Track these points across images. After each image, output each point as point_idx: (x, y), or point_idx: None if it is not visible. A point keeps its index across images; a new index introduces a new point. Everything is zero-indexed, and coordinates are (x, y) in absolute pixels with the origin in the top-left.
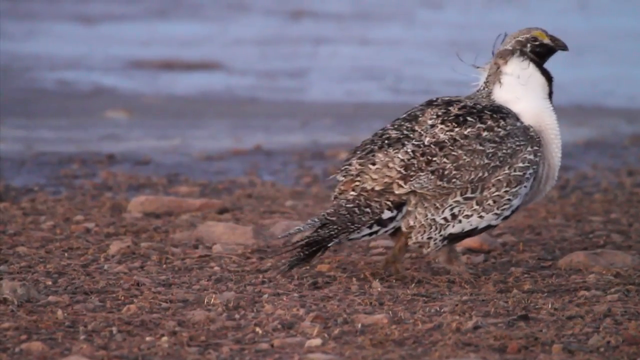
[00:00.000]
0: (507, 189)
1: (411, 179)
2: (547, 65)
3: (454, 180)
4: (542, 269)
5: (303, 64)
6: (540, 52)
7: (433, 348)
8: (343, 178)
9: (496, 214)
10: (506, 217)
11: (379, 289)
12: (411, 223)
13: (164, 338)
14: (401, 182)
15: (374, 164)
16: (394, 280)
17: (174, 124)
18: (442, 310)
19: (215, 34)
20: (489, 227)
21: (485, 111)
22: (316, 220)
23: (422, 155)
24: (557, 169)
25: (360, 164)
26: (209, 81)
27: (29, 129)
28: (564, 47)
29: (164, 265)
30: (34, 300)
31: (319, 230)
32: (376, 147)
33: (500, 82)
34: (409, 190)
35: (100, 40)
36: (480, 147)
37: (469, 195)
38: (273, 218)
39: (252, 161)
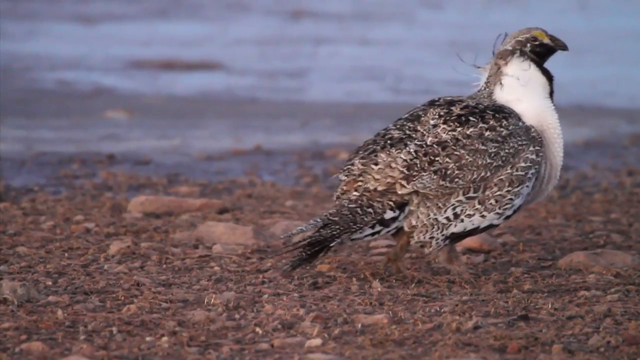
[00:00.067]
0: (509, 188)
1: (414, 179)
2: (547, 64)
3: (456, 180)
4: (542, 269)
5: (303, 64)
6: (540, 52)
7: (433, 348)
8: (345, 178)
9: (498, 213)
10: (508, 217)
11: (379, 289)
12: (413, 223)
13: (164, 338)
14: (404, 182)
15: (376, 164)
16: (394, 280)
17: (174, 124)
18: (442, 310)
19: (215, 34)
20: (490, 227)
21: (488, 111)
22: (318, 220)
23: (425, 155)
24: (559, 168)
25: (362, 164)
26: (209, 81)
27: (29, 129)
28: (563, 47)
29: (164, 266)
30: (34, 300)
31: (321, 230)
32: (379, 147)
33: (501, 83)
34: (412, 190)
35: (100, 40)
36: (483, 147)
37: (471, 194)
38: (273, 218)
39: (252, 161)
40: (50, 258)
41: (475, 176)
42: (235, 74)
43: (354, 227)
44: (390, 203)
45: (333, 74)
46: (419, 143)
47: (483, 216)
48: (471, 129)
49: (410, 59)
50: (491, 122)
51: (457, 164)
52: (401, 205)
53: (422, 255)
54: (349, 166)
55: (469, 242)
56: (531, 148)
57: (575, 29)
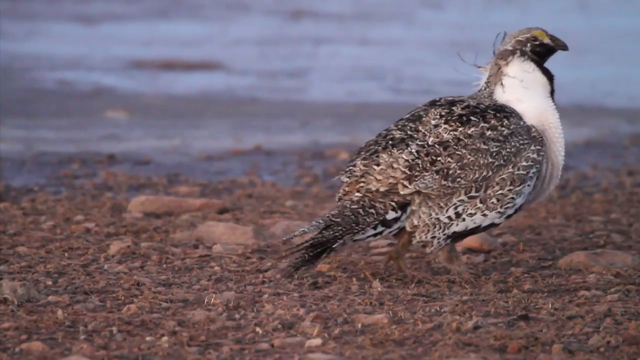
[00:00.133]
0: (511, 187)
1: (416, 179)
2: (548, 64)
3: (458, 179)
4: (542, 269)
5: (303, 64)
6: (540, 51)
7: (433, 348)
8: (347, 179)
9: (500, 212)
10: (509, 216)
11: (379, 289)
12: (415, 222)
13: (164, 338)
14: (406, 183)
15: (378, 164)
16: (394, 280)
17: (174, 124)
18: (442, 310)
19: (215, 34)
20: (492, 226)
21: (489, 110)
22: (320, 221)
23: (427, 155)
24: (561, 167)
25: (364, 165)
26: (209, 81)
27: (29, 129)
28: (564, 47)
29: (164, 265)
30: (34, 300)
31: (324, 231)
32: (380, 148)
33: (501, 83)
34: (414, 190)
35: (100, 40)
36: (484, 146)
37: (473, 194)
38: (273, 218)
39: (252, 161)
40: (51, 258)
41: (477, 176)
42: (235, 74)
43: (357, 228)
44: (392, 203)
45: (333, 74)
46: (420, 143)
47: (485, 215)
48: (472, 129)
49: (410, 59)
50: (492, 122)
51: (458, 164)
52: (403, 206)
53: (423, 254)
54: (351, 167)
55: (469, 242)
56: (532, 147)
57: (575, 29)
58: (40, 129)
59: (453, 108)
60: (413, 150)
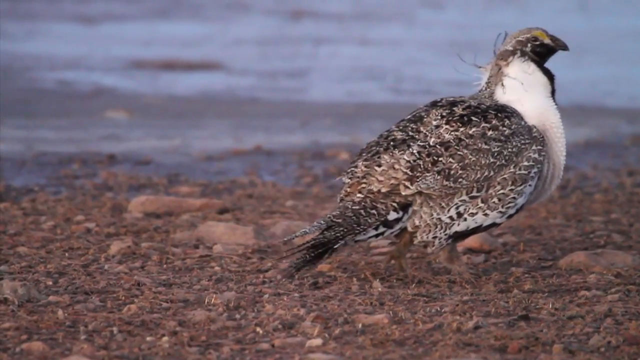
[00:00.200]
0: (512, 187)
1: (417, 180)
2: (548, 64)
3: (460, 180)
4: (542, 269)
5: (303, 64)
6: (540, 52)
7: (434, 348)
8: (349, 180)
9: (501, 212)
10: (511, 216)
11: (380, 289)
12: (417, 223)
13: (165, 338)
14: (407, 183)
15: (379, 165)
16: (395, 280)
17: (175, 124)
18: (442, 310)
19: (215, 34)
20: (493, 225)
21: (490, 111)
22: (322, 222)
23: (428, 155)
24: (562, 167)
25: (366, 166)
26: (209, 81)
27: (29, 129)
28: (564, 47)
29: (165, 265)
30: (34, 300)
31: (325, 232)
32: (382, 149)
33: (502, 83)
34: (416, 191)
35: (100, 41)
36: (486, 146)
37: (474, 194)
38: (273, 218)
39: (252, 161)
40: (51, 258)
41: (478, 176)
42: (235, 74)
43: (358, 228)
44: (394, 204)
45: (333, 74)
46: (422, 144)
47: (486, 215)
48: (474, 129)
49: (410, 59)
50: (494, 122)
51: (460, 164)
52: (405, 207)
53: (423, 254)
54: (353, 169)
55: (469, 242)
56: (534, 147)
57: (576, 29)
58: (41, 129)
59: (454, 108)
60: (414, 151)
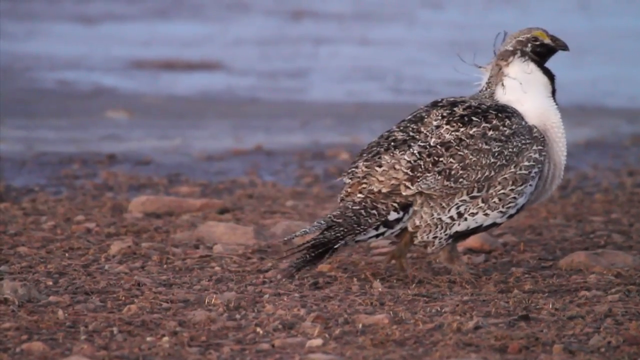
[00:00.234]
0: (513, 187)
1: (418, 180)
2: (548, 64)
3: (461, 180)
4: (542, 269)
5: (304, 64)
6: (541, 52)
7: (434, 348)
8: (350, 180)
9: (501, 212)
10: (511, 216)
11: (380, 289)
12: (417, 223)
13: (165, 338)
14: (408, 184)
15: (380, 166)
16: (395, 281)
17: (175, 124)
18: (443, 311)
19: (215, 34)
20: (494, 225)
21: (491, 111)
22: (322, 222)
23: (429, 156)
24: (563, 167)
25: (366, 167)
26: (209, 81)
27: (29, 129)
28: (564, 47)
29: (165, 266)
30: (34, 301)
31: (325, 232)
32: (382, 149)
33: (502, 83)
34: (416, 191)
35: (100, 41)
36: (486, 146)
37: (475, 194)
38: (274, 218)
39: (252, 161)
40: (51, 258)
41: (479, 176)
42: (235, 74)
43: (358, 229)
44: (394, 204)
45: (333, 74)
46: (422, 144)
47: (486, 215)
48: (474, 129)
49: (410, 59)
50: (494, 122)
51: (461, 164)
52: (405, 207)
53: (423, 254)
54: (353, 169)
55: (470, 242)
56: (534, 147)
57: (576, 29)
58: (41, 129)
59: (455, 109)
60: (415, 151)
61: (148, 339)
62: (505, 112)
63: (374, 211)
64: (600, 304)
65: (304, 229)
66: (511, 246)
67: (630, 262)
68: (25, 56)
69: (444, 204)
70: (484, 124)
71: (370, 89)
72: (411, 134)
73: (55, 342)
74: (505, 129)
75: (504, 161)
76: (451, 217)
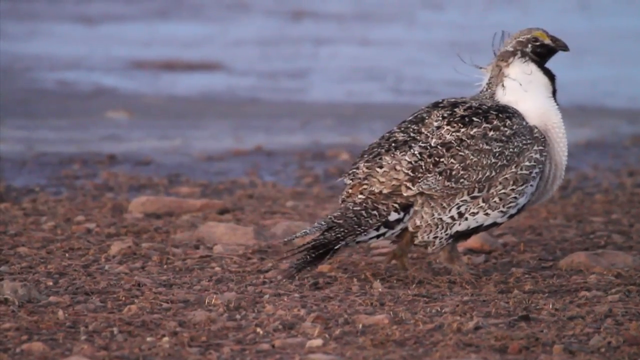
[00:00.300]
0: (514, 187)
1: (419, 181)
2: (548, 65)
3: (461, 180)
4: (543, 270)
5: (304, 65)
6: (541, 52)
7: (434, 348)
8: (350, 182)
9: (502, 211)
10: (512, 216)
11: (380, 290)
12: (418, 223)
13: (165, 338)
14: (409, 184)
15: (381, 167)
16: (395, 281)
17: (175, 125)
18: (443, 311)
19: (216, 34)
20: (494, 225)
21: (491, 111)
22: (322, 223)
23: (430, 156)
24: (564, 168)
25: (367, 167)
26: (209, 82)
27: (29, 130)
28: (564, 48)
29: (165, 266)
30: (34, 301)
31: (326, 233)
32: (383, 151)
33: (503, 84)
34: (417, 192)
35: (101, 41)
36: (487, 147)
37: (476, 194)
38: (274, 218)
39: (253, 161)
40: (51, 258)
41: (480, 176)
42: (236, 74)
43: (359, 229)
44: (395, 205)
45: (334, 74)
46: (423, 145)
47: (487, 214)
48: (475, 130)
49: (411, 60)
50: (495, 122)
51: (461, 165)
52: (406, 207)
53: (424, 255)
54: (354, 170)
55: (470, 242)
56: (535, 147)
57: (576, 29)
58: (41, 130)
59: (455, 109)
60: (416, 152)
61: (148, 339)
62: (506, 112)
63: (375, 212)
64: (601, 304)
65: (304, 230)
66: (511, 246)
67: (631, 262)
68: (26, 56)
69: (444, 204)
70: (484, 125)
71: (371, 90)
72: (412, 134)
73: (56, 342)
74: (506, 129)
75: (504, 161)
76: (452, 217)
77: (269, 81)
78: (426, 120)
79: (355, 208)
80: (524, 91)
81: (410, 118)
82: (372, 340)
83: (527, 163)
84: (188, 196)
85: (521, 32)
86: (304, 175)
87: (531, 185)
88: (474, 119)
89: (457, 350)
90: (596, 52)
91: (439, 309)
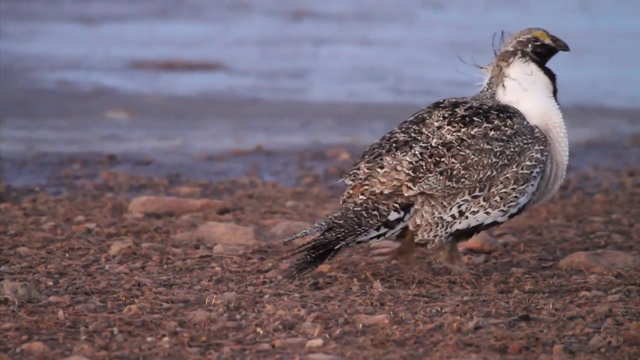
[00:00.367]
0: (515, 186)
1: (420, 181)
2: (548, 65)
3: (463, 180)
4: (543, 270)
5: (304, 65)
6: (541, 52)
7: (434, 348)
8: (351, 183)
9: (502, 210)
10: (512, 215)
11: (380, 290)
12: (418, 222)
13: (165, 338)
14: (410, 184)
15: (382, 167)
16: (395, 281)
17: (175, 125)
18: (443, 311)
19: (216, 34)
20: (494, 224)
21: (492, 111)
22: (323, 223)
23: (430, 156)
24: (565, 167)
25: (368, 168)
26: (210, 81)
27: (29, 130)
28: (565, 48)
29: (165, 266)
30: (35, 301)
31: (326, 233)
32: (384, 151)
33: (504, 84)
34: (418, 192)
35: (101, 41)
36: (488, 146)
37: (477, 193)
38: (274, 218)
39: (253, 161)
40: (51, 258)
41: (481, 175)
42: (236, 74)
43: (359, 229)
44: (395, 205)
45: (334, 74)
46: (424, 145)
47: (487, 213)
48: (475, 129)
49: (411, 59)
50: (496, 122)
51: (462, 164)
52: (406, 207)
53: (424, 254)
54: (355, 171)
55: (470, 242)
56: (536, 147)
57: (576, 29)
58: (41, 130)
59: (456, 109)
60: (417, 152)
61: (148, 339)
62: (507, 112)
63: (375, 212)
64: (601, 304)
65: (304, 230)
66: (511, 246)
67: (631, 262)
68: (26, 56)
69: (445, 203)
70: (485, 124)
71: (371, 89)
72: (413, 135)
73: (56, 342)
74: (506, 128)
75: (505, 161)
76: (452, 216)
77: (269, 81)
78: (427, 121)
79: (355, 208)
80: (525, 91)
81: (411, 118)
82: (372, 340)
83: (528, 162)
84: (188, 196)
85: (521, 32)
86: (304, 175)
87: (532, 185)
88: (475, 118)
89: (457, 350)
90: (596, 52)
91: (439, 309)
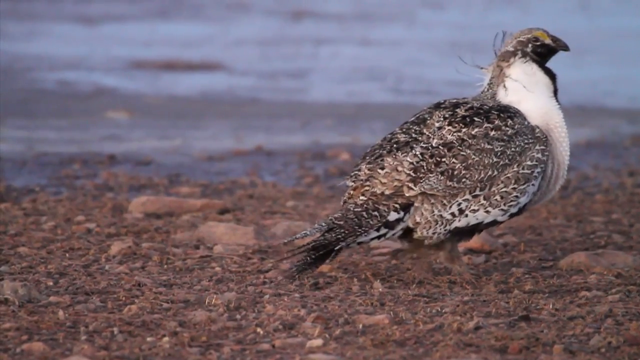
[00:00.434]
0: (515, 186)
1: (421, 181)
2: (549, 64)
3: (463, 180)
4: (543, 270)
5: (304, 65)
6: (541, 52)
7: (434, 348)
8: (352, 184)
9: (503, 209)
10: (513, 215)
11: (380, 290)
12: (418, 219)
13: (165, 338)
14: (411, 185)
15: (382, 168)
16: (395, 281)
17: (175, 125)
18: (443, 311)
19: (216, 34)
20: (494, 223)
21: (493, 111)
22: (323, 224)
23: (431, 157)
24: (566, 167)
25: (369, 169)
26: (210, 81)
27: (30, 130)
28: (565, 48)
29: (165, 266)
30: (35, 301)
31: (326, 234)
32: (385, 152)
33: (504, 85)
34: (419, 192)
35: (101, 41)
36: (489, 146)
37: (477, 193)
38: (274, 218)
39: (253, 161)
40: (52, 258)
41: (482, 175)
42: (236, 74)
43: (359, 230)
44: (395, 205)
45: (334, 74)
46: (424, 145)
47: (487, 212)
48: (476, 129)
49: (411, 59)
50: (496, 122)
51: (463, 164)
52: (405, 207)
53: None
54: (356, 172)
55: (470, 242)
56: (537, 147)
57: (576, 29)
58: (41, 130)
59: (457, 110)
60: (417, 153)
61: (148, 339)
62: (508, 112)
63: (375, 212)
64: (601, 305)
65: (304, 231)
66: (511, 246)
67: (631, 262)
68: (26, 56)
69: (444, 202)
70: (486, 124)
71: (371, 90)
72: (413, 135)
73: (56, 342)
74: (507, 128)
75: (506, 160)
76: (452, 214)
77: (269, 81)
78: (428, 121)
79: (356, 209)
80: (526, 91)
81: (412, 119)
82: (373, 340)
83: (529, 162)
84: (188, 196)
85: (522, 32)
86: (304, 175)
87: (533, 185)
88: (476, 119)
89: (457, 350)
90: (596, 52)
91: (439, 309)
